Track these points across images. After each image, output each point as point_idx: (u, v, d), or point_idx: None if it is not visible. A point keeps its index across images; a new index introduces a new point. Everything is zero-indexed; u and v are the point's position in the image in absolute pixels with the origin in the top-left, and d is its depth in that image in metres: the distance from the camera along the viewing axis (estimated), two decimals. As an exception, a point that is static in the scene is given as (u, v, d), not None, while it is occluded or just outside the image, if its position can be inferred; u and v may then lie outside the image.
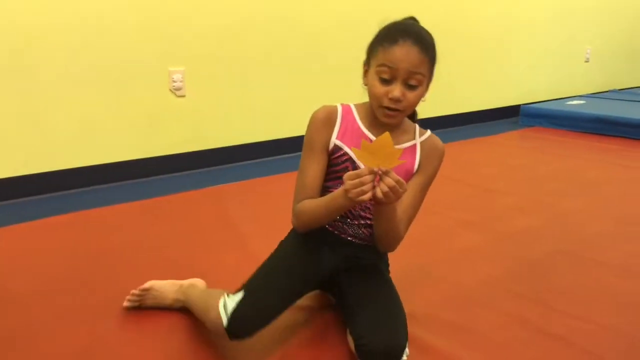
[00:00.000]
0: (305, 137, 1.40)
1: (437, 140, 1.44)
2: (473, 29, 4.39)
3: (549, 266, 1.91)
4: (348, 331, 1.36)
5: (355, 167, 1.34)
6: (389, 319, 1.30)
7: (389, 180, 1.16)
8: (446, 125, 4.33)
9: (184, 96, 2.92)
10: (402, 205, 1.35)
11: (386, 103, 1.29)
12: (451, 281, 1.78)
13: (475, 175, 2.99)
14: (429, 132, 1.44)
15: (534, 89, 5.16)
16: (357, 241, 1.44)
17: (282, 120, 3.28)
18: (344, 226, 1.43)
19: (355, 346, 1.27)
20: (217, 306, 1.28)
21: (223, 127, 3.11)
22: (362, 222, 1.41)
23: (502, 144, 3.81)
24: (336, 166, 1.38)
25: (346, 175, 1.19)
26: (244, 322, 1.26)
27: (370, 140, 1.33)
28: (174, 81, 2.86)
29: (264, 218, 2.27)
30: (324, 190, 1.39)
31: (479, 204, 2.53)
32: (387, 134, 1.17)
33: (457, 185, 2.79)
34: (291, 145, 3.31)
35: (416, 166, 1.40)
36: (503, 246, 2.07)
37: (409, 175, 1.39)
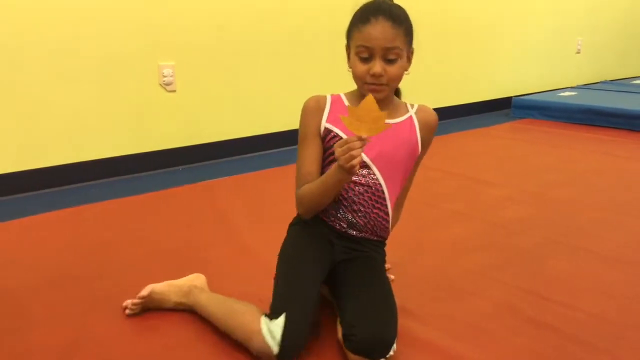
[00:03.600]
0: (299, 127, 1.45)
1: (429, 109, 1.51)
2: (463, 21, 4.39)
3: (539, 255, 1.91)
4: (338, 321, 1.36)
5: None
6: (379, 312, 1.30)
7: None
8: (438, 117, 4.32)
9: (174, 91, 2.91)
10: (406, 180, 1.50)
11: (369, 80, 1.35)
12: (441, 271, 1.78)
13: (467, 166, 2.99)
14: (416, 104, 1.51)
15: (525, 81, 5.17)
16: (354, 232, 1.46)
17: (273, 114, 3.27)
18: (339, 214, 1.44)
19: (344, 336, 1.28)
20: (261, 332, 1.25)
21: (214, 121, 3.10)
22: (356, 207, 1.43)
23: (494, 136, 3.82)
24: (330, 148, 1.41)
25: (336, 145, 1.26)
26: (294, 346, 1.25)
27: None
28: (164, 76, 2.85)
29: (256, 212, 2.27)
30: None
31: (471, 195, 2.53)
32: (370, 96, 1.22)
33: (448, 177, 2.79)
34: (283, 139, 3.31)
35: (418, 139, 1.46)
36: (494, 236, 2.07)
37: (412, 147, 1.46)
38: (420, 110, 1.49)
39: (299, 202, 1.43)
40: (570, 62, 5.75)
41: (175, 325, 1.45)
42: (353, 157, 1.22)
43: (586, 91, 5.06)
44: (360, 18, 1.35)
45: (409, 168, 1.48)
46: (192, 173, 2.89)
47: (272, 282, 1.62)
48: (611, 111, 4.09)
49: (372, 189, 1.42)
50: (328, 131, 1.41)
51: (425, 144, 1.49)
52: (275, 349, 1.23)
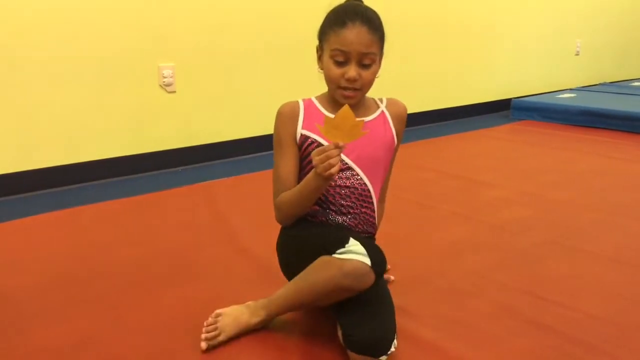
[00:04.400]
0: (273, 135, 1.46)
1: (397, 101, 1.52)
2: (463, 23, 4.39)
3: (538, 256, 1.92)
4: (338, 323, 1.36)
5: None
6: (377, 311, 1.29)
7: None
8: (438, 119, 4.34)
9: (174, 92, 2.91)
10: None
11: (343, 84, 1.36)
12: (440, 273, 1.78)
13: (466, 168, 2.99)
14: (384, 98, 1.52)
15: (524, 83, 5.17)
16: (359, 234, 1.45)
17: (272, 116, 3.26)
18: (329, 220, 1.43)
19: (343, 336, 1.28)
20: (345, 259, 1.23)
21: (214, 122, 3.10)
22: (345, 210, 1.43)
23: (494, 138, 3.82)
24: (308, 156, 1.40)
25: (313, 153, 1.26)
26: (379, 252, 1.29)
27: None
28: (164, 77, 2.85)
29: (254, 213, 2.26)
30: None
31: (470, 197, 2.53)
32: (346, 106, 1.23)
33: (448, 178, 2.79)
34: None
35: (393, 132, 1.48)
36: (493, 237, 2.07)
37: (389, 141, 1.47)
38: (390, 103, 1.50)
39: (278, 209, 1.45)
40: (569, 63, 5.76)
41: (182, 326, 1.44)
42: (331, 165, 1.23)
43: (585, 93, 5.06)
44: (336, 21, 1.34)
45: (388, 162, 1.50)
46: (191, 174, 2.89)
47: (271, 282, 1.62)
48: (610, 113, 4.09)
49: (358, 190, 1.43)
50: (305, 138, 1.41)
51: (400, 135, 1.50)
52: (367, 260, 1.23)
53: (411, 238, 2.05)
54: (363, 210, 1.45)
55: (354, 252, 1.25)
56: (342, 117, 1.22)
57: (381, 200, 1.54)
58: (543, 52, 5.32)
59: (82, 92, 2.62)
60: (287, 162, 1.43)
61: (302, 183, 1.36)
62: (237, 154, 3.23)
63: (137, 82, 2.78)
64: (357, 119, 1.23)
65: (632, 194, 2.64)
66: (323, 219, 1.44)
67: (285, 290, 1.36)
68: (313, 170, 1.29)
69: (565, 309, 1.56)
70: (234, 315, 1.37)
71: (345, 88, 1.36)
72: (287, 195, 1.41)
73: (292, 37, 3.31)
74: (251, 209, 2.32)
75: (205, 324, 1.35)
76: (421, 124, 4.14)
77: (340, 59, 1.33)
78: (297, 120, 1.43)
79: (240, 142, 3.22)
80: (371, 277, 1.25)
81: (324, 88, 1.50)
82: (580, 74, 5.89)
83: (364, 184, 1.43)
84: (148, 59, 2.79)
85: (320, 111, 1.44)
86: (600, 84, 5.89)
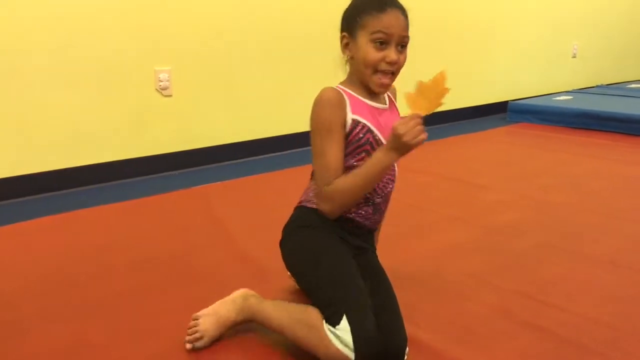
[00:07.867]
0: (317, 120, 1.38)
1: None
2: (459, 25, 4.40)
3: (534, 259, 1.92)
4: None
5: (375, 137, 1.40)
6: (392, 316, 1.29)
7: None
8: (434, 122, 4.33)
9: (170, 96, 2.91)
10: None
11: (383, 67, 1.37)
12: (437, 275, 1.78)
13: (462, 171, 3.00)
14: None
15: (521, 85, 5.18)
16: (372, 227, 1.49)
17: (269, 120, 3.28)
18: (375, 216, 1.46)
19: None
20: (333, 343, 1.19)
21: (210, 126, 3.10)
22: (379, 191, 1.45)
23: (490, 140, 3.82)
24: (359, 141, 1.39)
25: (397, 124, 1.27)
26: (372, 345, 1.20)
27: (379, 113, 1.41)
28: (160, 81, 2.85)
29: (251, 216, 2.27)
30: (350, 169, 1.38)
31: (466, 200, 2.53)
32: (444, 71, 1.28)
33: (444, 181, 2.79)
34: (278, 144, 3.31)
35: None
36: (489, 240, 2.07)
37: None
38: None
39: (330, 198, 1.37)
40: (566, 66, 5.77)
41: (175, 331, 1.44)
42: (421, 131, 1.27)
43: (582, 95, 5.07)
44: (373, 5, 1.36)
45: None
46: (187, 178, 2.89)
47: (268, 286, 1.62)
48: (607, 115, 4.10)
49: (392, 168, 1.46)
50: (356, 122, 1.38)
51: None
52: (352, 355, 1.18)
53: (408, 240, 2.04)
54: (389, 186, 1.49)
55: (342, 341, 1.19)
56: (438, 81, 1.26)
57: None
58: (540, 55, 5.33)
59: (79, 96, 2.61)
60: (336, 149, 1.37)
61: (368, 164, 1.33)
62: (234, 158, 3.22)
63: (133, 86, 2.78)
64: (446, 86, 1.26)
65: (629, 196, 2.64)
66: (369, 208, 1.45)
67: (271, 314, 1.33)
68: (384, 148, 1.31)
69: (562, 312, 1.56)
70: (215, 314, 1.37)
71: (383, 72, 1.37)
72: (345, 182, 1.35)
73: (288, 40, 3.31)
74: (248, 213, 2.31)
75: (188, 327, 1.36)
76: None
77: (382, 40, 1.35)
78: (345, 105, 1.38)
79: (236, 146, 3.21)
80: None
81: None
82: (577, 76, 5.90)
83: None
84: (144, 62, 2.79)
85: (357, 97, 1.41)
86: (597, 87, 5.89)
